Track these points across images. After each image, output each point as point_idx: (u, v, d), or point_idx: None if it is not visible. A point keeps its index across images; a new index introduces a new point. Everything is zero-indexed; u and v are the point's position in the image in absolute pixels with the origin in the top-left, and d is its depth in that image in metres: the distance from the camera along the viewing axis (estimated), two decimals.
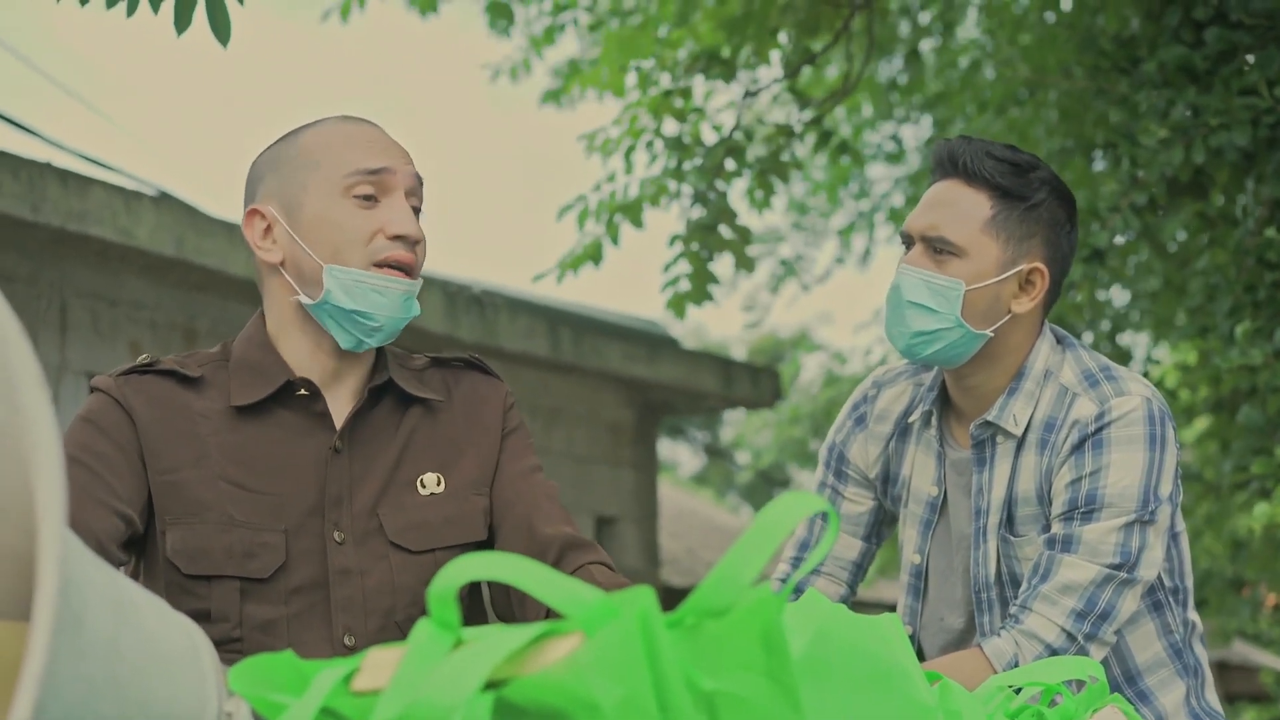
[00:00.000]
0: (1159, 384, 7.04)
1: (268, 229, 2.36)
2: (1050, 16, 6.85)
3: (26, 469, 1.21)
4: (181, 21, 3.10)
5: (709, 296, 6.04)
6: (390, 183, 2.35)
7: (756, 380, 9.10)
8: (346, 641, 2.30)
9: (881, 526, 3.08)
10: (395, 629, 2.33)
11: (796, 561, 3.04)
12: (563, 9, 7.15)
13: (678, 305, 6.01)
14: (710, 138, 6.17)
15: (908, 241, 2.80)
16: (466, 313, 7.14)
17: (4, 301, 1.21)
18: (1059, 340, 2.86)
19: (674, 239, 6.00)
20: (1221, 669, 15.00)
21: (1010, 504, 2.78)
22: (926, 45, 7.87)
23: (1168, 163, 4.92)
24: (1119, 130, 5.45)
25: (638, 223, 6.01)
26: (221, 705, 1.43)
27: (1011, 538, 2.78)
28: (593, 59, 6.68)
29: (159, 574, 2.31)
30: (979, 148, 2.77)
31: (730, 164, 6.05)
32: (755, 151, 6.28)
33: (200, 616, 2.23)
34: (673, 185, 6.03)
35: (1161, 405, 2.74)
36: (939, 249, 2.73)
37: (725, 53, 6.03)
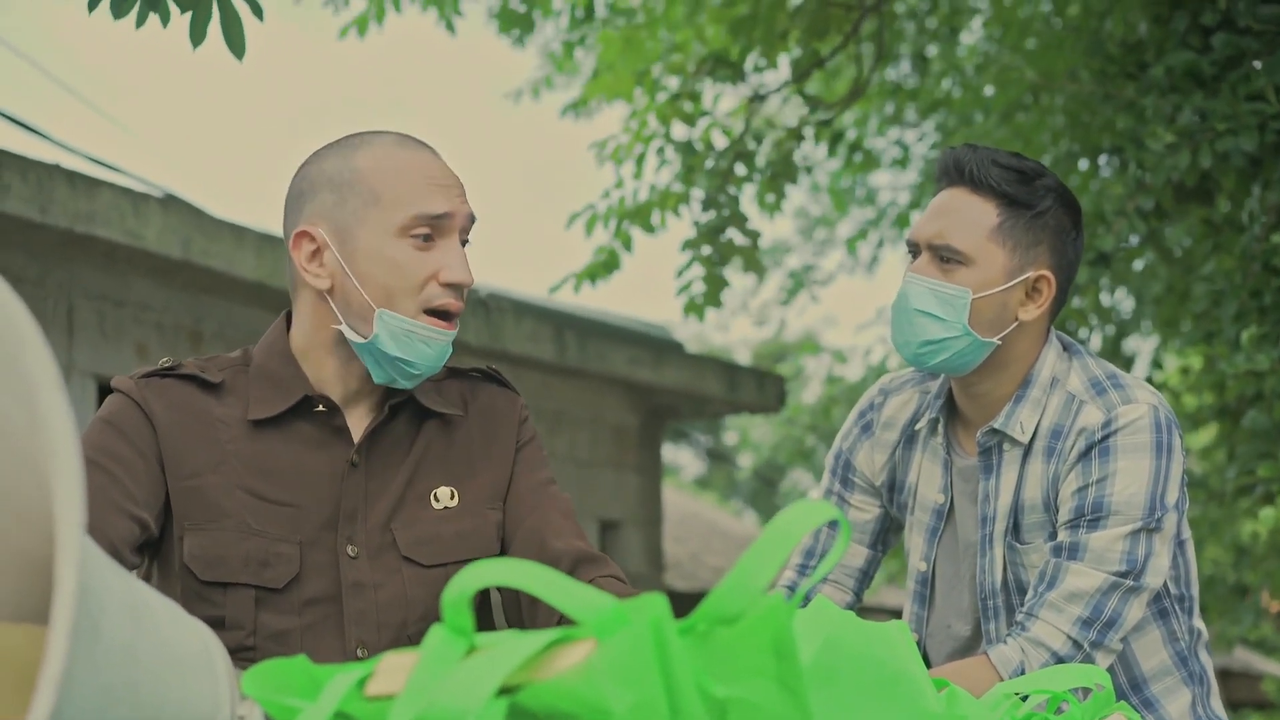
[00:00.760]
0: (1162, 389, 7.04)
1: (316, 252, 2.32)
2: (1057, 22, 6.86)
3: (45, 473, 1.21)
4: (196, 36, 3.10)
5: (720, 302, 6.05)
6: (449, 225, 2.32)
7: (761, 385, 9.10)
8: (359, 654, 2.30)
9: (887, 534, 3.08)
10: (408, 642, 2.32)
11: (803, 569, 3.04)
12: (580, 24, 7.15)
13: (695, 309, 6.02)
14: (720, 142, 6.18)
15: (914, 250, 2.79)
16: (472, 316, 7.14)
17: (22, 306, 1.22)
18: (1065, 348, 2.86)
19: (685, 244, 6.01)
20: (1224, 676, 14.98)
21: (1017, 511, 2.79)
22: (933, 50, 7.87)
23: (1174, 167, 4.92)
24: (1125, 135, 5.45)
25: (648, 228, 6.03)
26: (235, 710, 1.44)
27: (1019, 545, 2.78)
28: (606, 67, 6.68)
29: (174, 578, 2.30)
30: (985, 156, 2.77)
31: (740, 169, 6.06)
32: (765, 155, 6.29)
33: (215, 624, 2.23)
34: (682, 190, 6.04)
35: (1168, 413, 2.74)
36: (946, 257, 2.73)
37: (733, 55, 6.03)
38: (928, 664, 2.95)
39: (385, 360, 2.32)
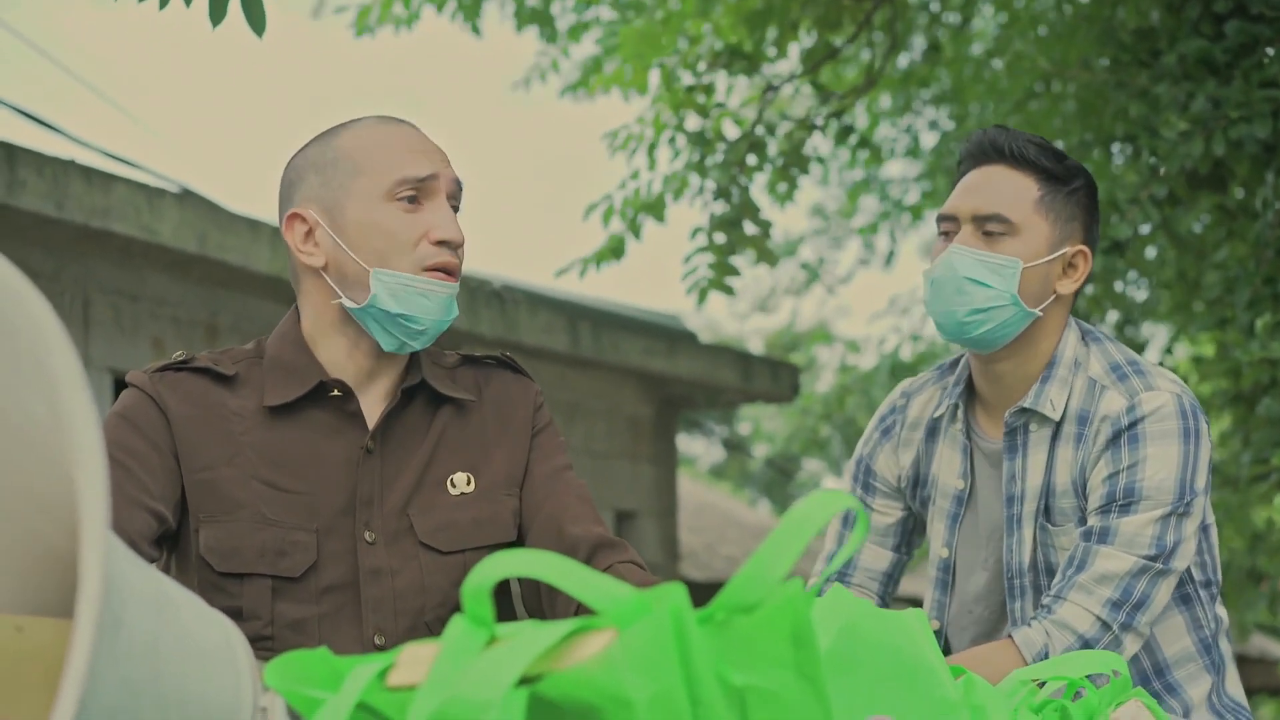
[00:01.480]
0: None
1: (309, 232, 2.36)
2: (1069, 9, 6.84)
3: (68, 469, 1.22)
4: (216, 14, 3.10)
5: (729, 289, 6.05)
6: (434, 187, 2.36)
7: (775, 374, 9.10)
8: (377, 641, 2.32)
9: (912, 536, 3.09)
10: (425, 629, 2.34)
11: (835, 574, 3.06)
12: (589, 5, 7.15)
13: (702, 293, 6.02)
14: (732, 133, 6.18)
15: (950, 224, 2.82)
16: (487, 308, 7.15)
17: (44, 301, 1.23)
18: (1084, 334, 2.89)
19: (696, 231, 6.01)
20: (1240, 662, 14.95)
21: (1048, 494, 2.80)
22: (944, 37, 7.85)
23: (1187, 155, 4.92)
24: (1139, 123, 5.45)
25: (661, 218, 6.03)
26: (257, 701, 1.45)
27: (1051, 526, 2.79)
28: (611, 50, 6.68)
29: (191, 570, 2.32)
30: (1019, 135, 2.82)
31: (752, 159, 6.06)
32: (777, 146, 6.29)
33: (232, 614, 2.24)
34: (695, 180, 6.04)
35: (1192, 400, 2.76)
36: (992, 229, 2.76)
37: (747, 47, 6.03)
38: (948, 650, 2.96)
39: (388, 321, 2.34)
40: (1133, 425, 2.71)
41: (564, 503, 2.45)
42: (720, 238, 5.98)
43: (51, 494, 1.33)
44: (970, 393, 2.95)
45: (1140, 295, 7.78)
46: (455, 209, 2.40)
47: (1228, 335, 5.77)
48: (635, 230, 6.05)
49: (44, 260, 5.76)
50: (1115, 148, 6.42)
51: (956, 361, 3.02)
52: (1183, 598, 2.86)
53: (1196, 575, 2.86)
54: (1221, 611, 2.94)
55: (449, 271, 2.36)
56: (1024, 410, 2.81)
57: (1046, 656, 2.61)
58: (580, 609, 2.25)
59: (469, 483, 2.42)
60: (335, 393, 2.38)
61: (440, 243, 2.34)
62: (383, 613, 2.33)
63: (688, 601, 1.20)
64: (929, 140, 9.17)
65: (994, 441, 2.89)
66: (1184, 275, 6.56)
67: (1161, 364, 7.03)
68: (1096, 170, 6.34)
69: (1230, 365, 5.55)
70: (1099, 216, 2.89)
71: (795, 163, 6.18)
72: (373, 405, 2.41)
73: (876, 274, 51.89)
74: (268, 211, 5.50)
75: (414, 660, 1.27)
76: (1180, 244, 6.37)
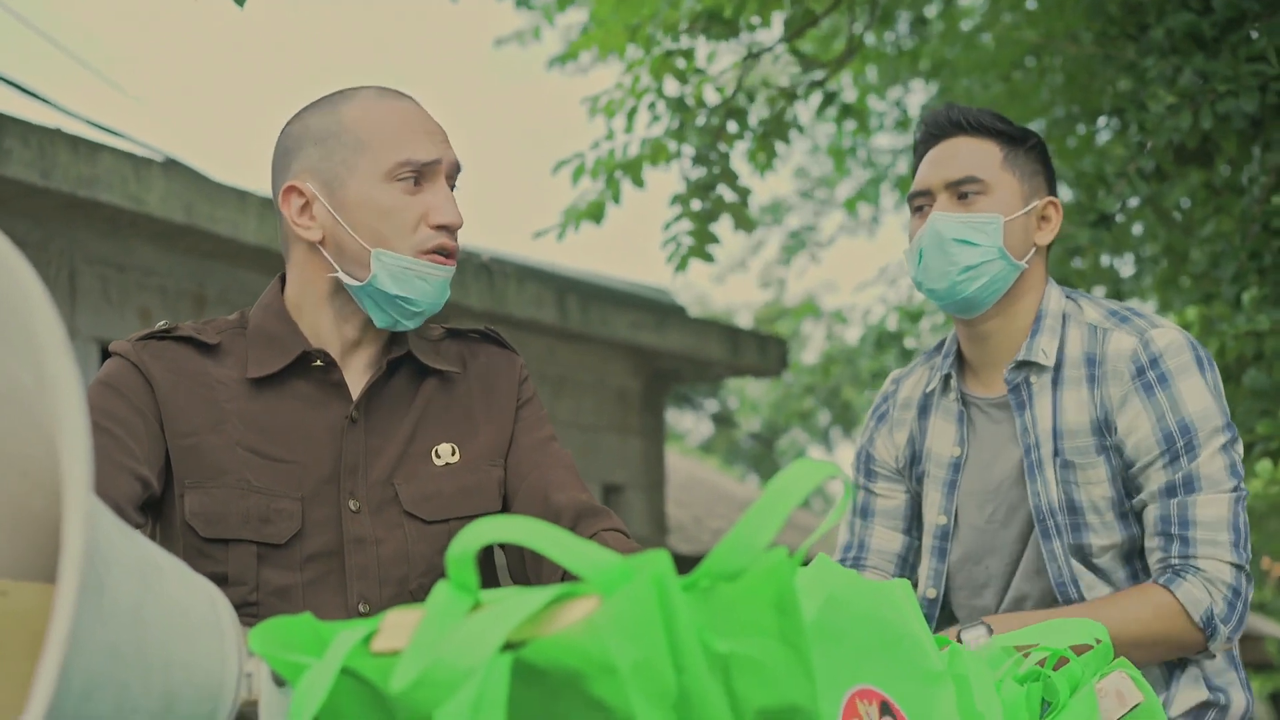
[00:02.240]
0: None
1: (305, 205, 2.36)
2: None
3: (52, 434, 1.22)
4: None
5: (710, 256, 6.04)
6: (436, 170, 2.37)
7: (763, 347, 9.10)
8: (361, 609, 2.32)
9: (919, 519, 3.13)
10: (409, 597, 2.35)
11: (842, 563, 3.09)
12: None
13: (680, 262, 6.01)
14: (712, 99, 6.16)
15: (923, 199, 2.93)
16: (475, 280, 7.14)
17: (29, 268, 1.23)
18: (1067, 294, 2.99)
19: (675, 198, 6.00)
20: None
21: (1056, 436, 2.87)
22: (931, 11, 7.84)
23: (1175, 129, 4.91)
24: (1126, 97, 5.45)
25: (638, 181, 6.01)
26: (242, 666, 1.45)
27: (1075, 462, 2.85)
28: (593, 14, 6.66)
29: (176, 536, 2.32)
30: (970, 109, 2.96)
31: (732, 126, 6.05)
32: (758, 113, 6.27)
33: (217, 580, 2.25)
34: (674, 146, 6.02)
35: (1190, 335, 2.87)
36: (965, 192, 2.88)
37: (727, 13, 6.01)
38: (952, 618, 3.03)
39: (385, 301, 2.35)
40: (1154, 363, 2.81)
41: (549, 472, 2.45)
42: (698, 204, 5.97)
43: (36, 460, 1.33)
44: (959, 363, 3.03)
45: (1127, 270, 7.79)
46: (452, 188, 2.41)
47: (1213, 309, 5.78)
48: (614, 192, 6.03)
49: (30, 230, 5.75)
50: (1102, 121, 6.42)
51: (941, 345, 3.12)
52: None
53: None
54: None
55: (447, 254, 2.38)
56: (1021, 364, 2.90)
57: (1211, 615, 2.71)
58: (566, 577, 2.26)
59: (454, 453, 2.43)
60: (318, 363, 2.39)
61: (439, 226, 2.36)
62: (367, 581, 2.33)
63: (672, 568, 1.20)
64: (918, 109, 9.17)
65: (992, 397, 2.96)
66: (1171, 249, 6.58)
67: None
68: (1083, 144, 6.35)
69: (1215, 340, 5.55)
70: (1053, 170, 3.02)
71: (776, 132, 6.17)
72: (357, 376, 2.42)
73: (863, 244, 51.87)
74: (255, 182, 5.48)
75: (398, 626, 1.27)
76: (1167, 220, 6.38)
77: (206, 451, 2.32)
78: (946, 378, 3.03)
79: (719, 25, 6.00)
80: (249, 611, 2.28)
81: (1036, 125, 6.95)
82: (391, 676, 1.21)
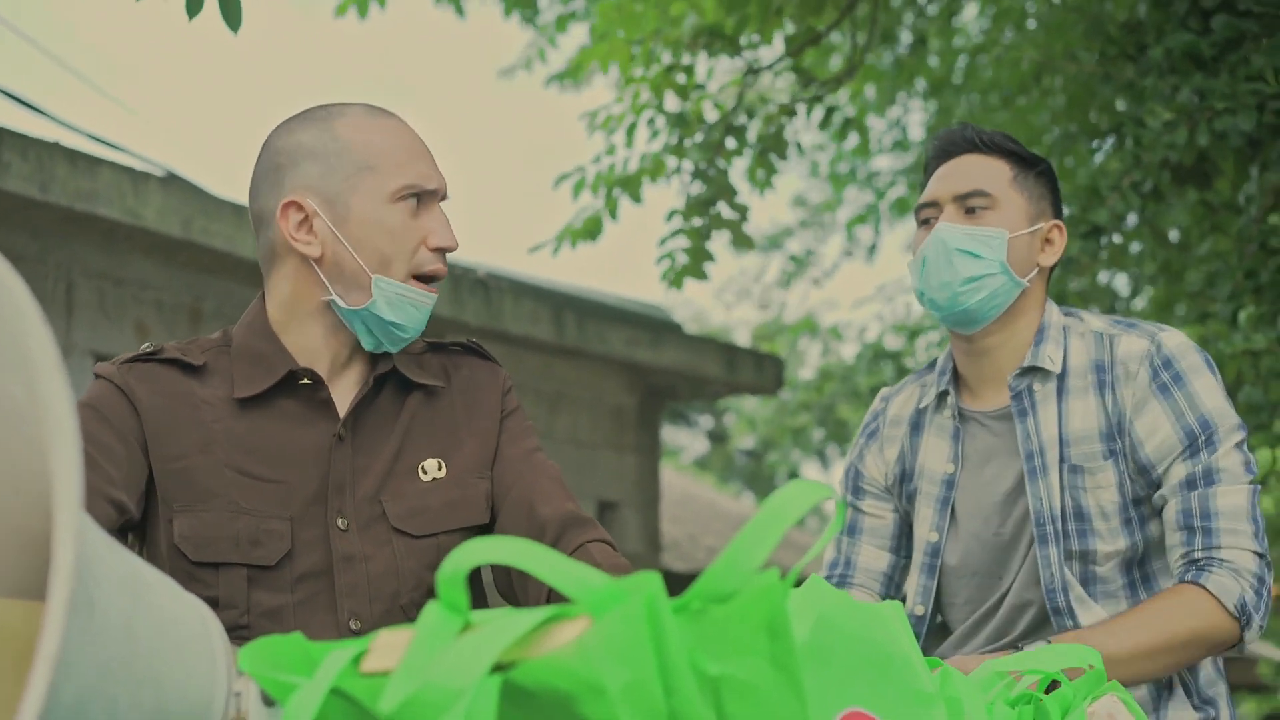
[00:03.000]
0: None
1: (304, 220, 2.34)
2: (1057, 1, 6.85)
3: (43, 451, 1.22)
4: (193, 6, 3.11)
5: (704, 274, 6.04)
6: (435, 195, 2.40)
7: (760, 366, 9.10)
8: (352, 626, 2.32)
9: (906, 538, 3.13)
10: (400, 613, 2.34)
11: (828, 579, 3.09)
12: None
13: (675, 279, 6.01)
14: (712, 115, 6.17)
15: (930, 211, 2.95)
16: (471, 295, 7.14)
17: (22, 283, 1.22)
18: (1065, 311, 3.01)
19: (672, 214, 6.00)
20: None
21: (1062, 443, 2.88)
22: (929, 29, 7.85)
23: (1171, 145, 4.92)
24: (1124, 115, 5.45)
25: (636, 197, 6.01)
26: (232, 686, 1.45)
27: (1083, 467, 2.86)
28: (594, 29, 6.67)
29: (163, 561, 2.31)
30: (984, 129, 2.98)
31: (731, 143, 6.05)
32: (757, 130, 6.27)
33: (208, 604, 2.24)
34: (673, 162, 6.02)
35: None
36: (973, 206, 2.90)
37: (728, 29, 6.02)
38: (946, 631, 3.04)
39: (378, 325, 2.36)
40: (1168, 364, 2.83)
41: (534, 483, 2.45)
42: (696, 221, 5.97)
43: (26, 475, 1.32)
44: (955, 380, 3.03)
45: (1123, 289, 7.79)
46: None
47: (1209, 329, 5.78)
48: (612, 209, 6.03)
49: (28, 243, 5.75)
50: (1101, 143, 6.43)
51: (933, 364, 3.13)
52: None
53: None
54: None
55: (438, 279, 2.41)
56: (1026, 371, 2.92)
57: (1244, 604, 2.72)
58: (552, 594, 2.26)
59: (440, 468, 2.43)
60: (305, 381, 2.39)
61: (437, 249, 2.38)
62: (357, 598, 2.33)
63: (663, 590, 1.20)
64: (917, 134, 9.18)
65: (991, 410, 2.97)
66: (1168, 268, 6.58)
67: None
68: (1080, 162, 6.34)
69: (1213, 356, 5.56)
70: (1060, 196, 3.04)
71: (774, 148, 6.18)
72: (343, 392, 2.42)
73: (860, 266, 51.98)
74: None
75: (388, 646, 1.27)
76: (1163, 239, 6.39)
77: (195, 474, 2.31)
78: (943, 394, 3.03)
79: (720, 42, 6.01)
80: (240, 634, 2.27)
81: (1037, 146, 6.96)
82: (381, 697, 1.21)
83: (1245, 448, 2.82)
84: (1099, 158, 6.42)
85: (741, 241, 6.16)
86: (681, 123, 6.02)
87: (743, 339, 19.48)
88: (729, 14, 5.83)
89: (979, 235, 2.86)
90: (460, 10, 6.76)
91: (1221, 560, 2.74)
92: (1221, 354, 5.06)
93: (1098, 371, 2.88)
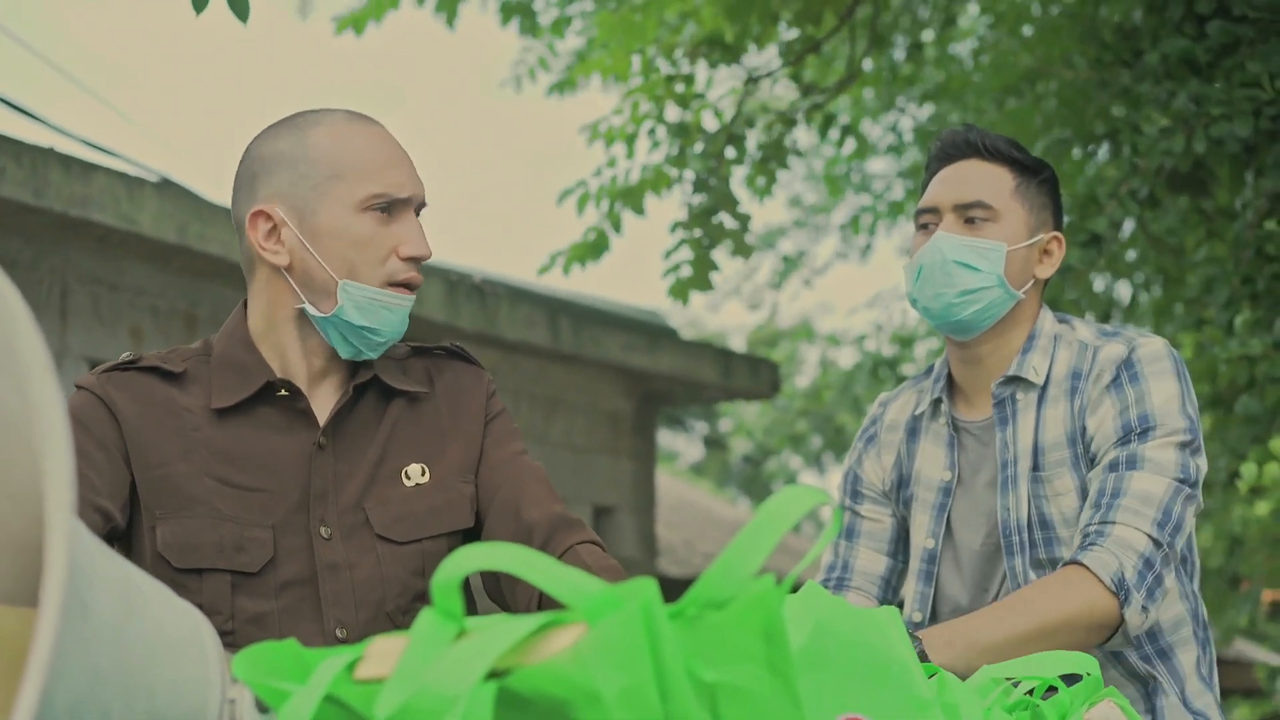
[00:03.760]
0: None
1: (273, 229, 2.33)
2: (1054, 8, 6.85)
3: (35, 457, 1.22)
4: (199, 2, 3.09)
5: (710, 285, 6.04)
6: (407, 203, 2.37)
7: (755, 371, 9.10)
8: (338, 634, 2.31)
9: (904, 543, 3.12)
10: (386, 619, 2.34)
11: (826, 582, 3.08)
12: (570, 1, 7.13)
13: (680, 292, 6.01)
14: (712, 125, 6.17)
15: (930, 216, 2.92)
16: (467, 301, 7.14)
17: (14, 288, 1.22)
18: (1060, 320, 2.99)
19: (675, 225, 6.00)
20: (1219, 664, 14.98)
21: (1037, 453, 2.86)
22: (928, 35, 7.85)
23: (1168, 151, 4.93)
24: (1121, 120, 5.46)
25: (639, 209, 6.02)
26: (225, 692, 1.44)
27: (1042, 474, 2.85)
28: (595, 44, 6.67)
29: (146, 569, 2.31)
30: (989, 133, 2.95)
31: (730, 152, 6.06)
32: (756, 138, 6.28)
33: None
34: (674, 172, 6.03)
35: (1176, 351, 2.88)
36: (973, 216, 2.87)
37: (728, 38, 6.02)
38: None
39: (350, 331, 2.34)
40: (1131, 365, 2.81)
41: (520, 486, 2.44)
42: (698, 231, 5.97)
43: (19, 481, 1.32)
44: (950, 387, 3.02)
45: (1122, 296, 7.79)
46: (417, 213, 2.41)
47: (1205, 335, 5.79)
48: (615, 223, 6.04)
49: (22, 249, 5.74)
50: (1096, 148, 6.43)
51: (930, 369, 3.11)
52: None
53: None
54: (1197, 589, 2.98)
55: (413, 286, 2.38)
56: (1010, 380, 2.90)
57: (1122, 579, 2.64)
58: (544, 598, 2.25)
59: (423, 473, 2.42)
60: (283, 392, 2.38)
61: (409, 259, 2.35)
62: (343, 606, 2.32)
63: (659, 596, 1.19)
64: (911, 134, 9.18)
65: (981, 420, 2.96)
66: (1166, 274, 6.58)
67: None
68: (1076, 168, 6.35)
69: (1208, 364, 5.55)
70: (1062, 205, 3.01)
71: (774, 156, 6.18)
72: (323, 401, 2.41)
73: (854, 269, 52.02)
74: None
75: (382, 653, 1.26)
76: (1160, 246, 6.39)
77: (177, 481, 2.31)
78: (937, 401, 3.02)
79: (720, 50, 6.02)
80: (226, 641, 2.26)
81: (1032, 151, 6.95)
82: (375, 704, 1.20)
83: (1187, 453, 2.76)
84: (1094, 164, 6.42)
85: (743, 251, 6.17)
86: (682, 132, 6.02)
87: (738, 344, 19.48)
88: (730, 23, 5.84)
89: (978, 247, 2.84)
90: (450, 22, 6.75)
91: (1109, 535, 2.68)
92: (1217, 360, 5.06)
93: (1073, 379, 2.87)
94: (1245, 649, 16.29)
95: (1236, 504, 8.02)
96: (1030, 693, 1.94)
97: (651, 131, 6.04)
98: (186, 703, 1.38)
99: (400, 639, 1.26)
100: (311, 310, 2.34)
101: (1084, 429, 2.83)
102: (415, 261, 2.36)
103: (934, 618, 3.01)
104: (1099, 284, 7.38)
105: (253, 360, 2.38)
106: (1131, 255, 6.93)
